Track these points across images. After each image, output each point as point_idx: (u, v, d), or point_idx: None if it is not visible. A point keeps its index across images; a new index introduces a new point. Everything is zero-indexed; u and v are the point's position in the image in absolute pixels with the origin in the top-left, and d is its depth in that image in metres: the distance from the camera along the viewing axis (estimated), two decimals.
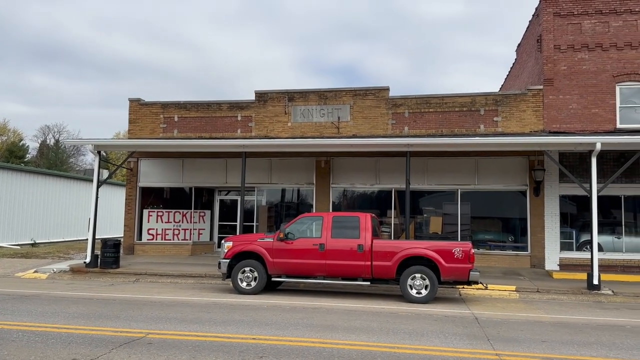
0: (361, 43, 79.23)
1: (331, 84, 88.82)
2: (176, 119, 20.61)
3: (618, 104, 17.47)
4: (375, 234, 12.85)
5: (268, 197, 20.78)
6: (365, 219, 12.31)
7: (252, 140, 17.16)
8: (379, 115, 19.07)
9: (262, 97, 20.08)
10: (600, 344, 7.79)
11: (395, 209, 19.05)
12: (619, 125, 17.31)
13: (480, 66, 69.38)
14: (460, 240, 17.55)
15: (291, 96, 19.80)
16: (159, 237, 20.84)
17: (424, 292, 11.57)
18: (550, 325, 9.35)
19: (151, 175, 21.01)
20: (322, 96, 19.58)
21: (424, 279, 11.59)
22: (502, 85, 26.65)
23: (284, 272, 12.40)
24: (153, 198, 21.29)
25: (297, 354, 6.76)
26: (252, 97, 20.25)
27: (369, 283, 12.16)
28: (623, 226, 17.53)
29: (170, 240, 20.86)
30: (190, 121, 20.50)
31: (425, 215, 19.26)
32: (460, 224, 18.50)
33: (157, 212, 21.00)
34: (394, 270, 11.81)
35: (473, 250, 11.71)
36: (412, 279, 11.67)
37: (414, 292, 11.62)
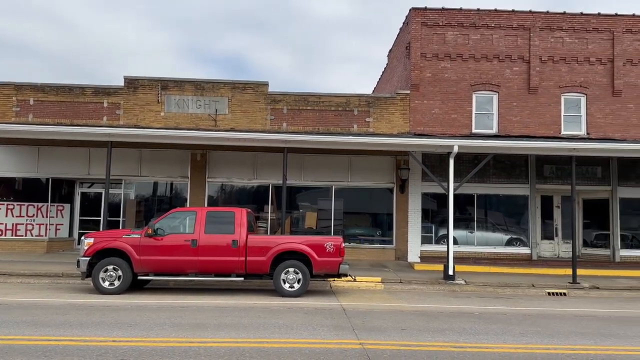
0: (250, 35, 78.25)
1: (216, 75, 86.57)
2: (32, 102, 18.60)
3: (474, 111, 19.28)
4: (251, 230, 12.80)
5: (138, 191, 19.65)
6: (241, 214, 12.17)
7: (120, 129, 16.09)
8: (257, 110, 18.98)
9: (133, 83, 18.91)
10: (452, 330, 8.53)
11: (272, 204, 19.13)
12: (474, 130, 19.12)
13: (362, 67, 72.40)
14: (334, 234, 18.15)
15: (165, 84, 18.90)
16: (9, 232, 18.69)
17: (296, 286, 11.76)
18: (410, 314, 10.04)
19: (0, 164, 18.75)
20: (199, 87, 18.97)
21: (297, 273, 11.78)
22: (375, 88, 28.04)
23: (152, 270, 11.80)
24: (3, 189, 19.02)
25: (161, 355, 6.46)
26: (122, 83, 18.98)
27: (242, 279, 12.05)
28: (475, 221, 19.43)
29: (22, 236, 18.80)
30: (49, 105, 18.63)
31: (301, 210, 19.61)
32: (334, 219, 19.14)
33: (7, 204, 18.82)
34: (268, 265, 11.85)
35: (344, 245, 12.16)
36: (285, 274, 11.79)
37: (286, 286, 11.76)
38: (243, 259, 11.77)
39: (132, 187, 19.50)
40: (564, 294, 13.92)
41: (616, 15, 19.24)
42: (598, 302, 12.69)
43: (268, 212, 19.04)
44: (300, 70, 77.66)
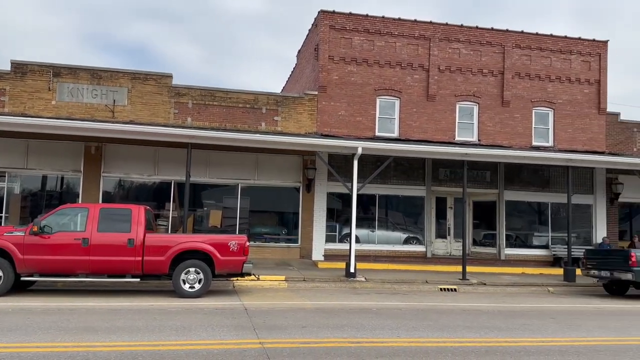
0: (159, 25, 74.60)
1: (120, 65, 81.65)
2: None
3: (377, 115, 19.98)
4: (150, 228, 12.29)
5: (24, 185, 18.04)
6: (139, 212, 11.62)
7: (4, 118, 14.69)
8: (160, 103, 18.23)
9: (21, 68, 17.35)
10: (350, 326, 8.76)
11: (174, 201, 18.47)
12: (377, 133, 19.81)
13: (276, 65, 72.06)
14: (239, 233, 17.91)
15: (57, 71, 17.55)
16: None
17: (197, 286, 11.44)
18: (312, 312, 10.17)
19: None
20: (96, 75, 17.83)
21: (199, 273, 11.47)
22: (284, 87, 28.11)
23: (37, 271, 10.91)
24: None
25: None
26: (8, 67, 17.34)
27: (139, 280, 11.52)
28: (377, 221, 20.15)
29: None
30: None
31: (205, 208, 19.14)
32: (240, 218, 18.89)
33: None
34: (167, 265, 11.42)
35: (248, 243, 12.04)
36: (186, 274, 11.43)
37: (186, 286, 11.40)
38: (140, 258, 11.25)
39: (17, 181, 17.86)
40: (455, 289, 14.87)
41: (507, 31, 20.89)
42: (485, 297, 13.70)
43: (170, 210, 18.35)
44: (211, 65, 75.75)
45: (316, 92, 19.46)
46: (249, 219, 19.17)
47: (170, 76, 18.41)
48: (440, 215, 21.07)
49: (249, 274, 12.25)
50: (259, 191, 19.27)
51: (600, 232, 20.90)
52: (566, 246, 17.91)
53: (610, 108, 21.81)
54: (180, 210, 17.59)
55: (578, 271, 16.43)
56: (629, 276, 13.96)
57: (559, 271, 17.87)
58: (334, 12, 19.55)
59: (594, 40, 21.54)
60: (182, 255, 11.52)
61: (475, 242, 21.49)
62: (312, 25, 21.10)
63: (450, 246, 21.04)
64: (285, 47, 75.57)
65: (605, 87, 21.45)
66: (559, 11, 70.64)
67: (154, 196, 18.73)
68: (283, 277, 14.47)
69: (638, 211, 22.30)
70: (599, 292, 15.55)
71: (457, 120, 20.54)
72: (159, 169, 18.34)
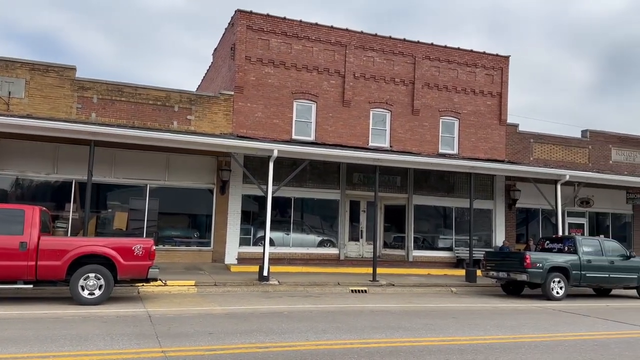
0: (73, 15, 69.56)
1: (24, 54, 75.38)
2: None
3: (294, 118, 20.01)
4: (46, 230, 11.41)
5: None
6: (33, 213, 10.74)
7: None
8: (62, 97, 17.03)
9: None
10: (260, 331, 8.62)
11: (75, 202, 17.29)
12: (294, 136, 19.83)
13: (194, 64, 69.88)
14: (146, 236, 17.11)
15: None
16: None
17: (97, 292, 10.75)
18: (221, 317, 9.91)
19: None
20: None
21: (99, 279, 10.79)
22: (199, 86, 27.37)
23: None
24: None
25: None
26: None
27: (32, 286, 10.63)
28: (292, 224, 20.15)
29: None
30: None
31: (110, 210, 18.12)
32: (148, 220, 18.08)
33: None
34: (64, 271, 10.65)
35: (154, 247, 11.52)
36: (85, 279, 10.71)
37: (85, 293, 10.68)
38: (33, 263, 10.40)
39: None
40: (365, 291, 15.20)
41: (418, 42, 21.79)
42: (393, 298, 14.12)
43: (70, 212, 17.15)
44: (126, 61, 71.99)
45: (232, 93, 19.12)
46: (158, 221, 18.40)
47: (73, 68, 17.25)
48: (354, 218, 21.51)
49: (155, 280, 11.72)
50: (170, 192, 18.56)
51: (499, 235, 22.36)
52: (468, 248, 18.94)
53: (514, 119, 23.51)
54: (82, 211, 16.49)
55: (479, 272, 17.43)
56: (524, 277, 15.01)
57: (462, 272, 18.85)
58: (251, 12, 19.33)
59: (497, 55, 23.05)
60: (82, 260, 10.78)
61: (386, 245, 22.15)
62: (229, 24, 20.73)
63: (362, 248, 21.52)
64: (205, 45, 73.88)
65: (506, 99, 23.03)
66: (472, 26, 75.09)
67: (53, 196, 17.44)
68: (193, 282, 14.00)
69: (534, 216, 24.11)
70: (498, 292, 16.59)
71: (370, 126, 21.07)
72: (59, 167, 17.11)
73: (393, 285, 16.12)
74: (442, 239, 22.47)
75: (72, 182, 17.19)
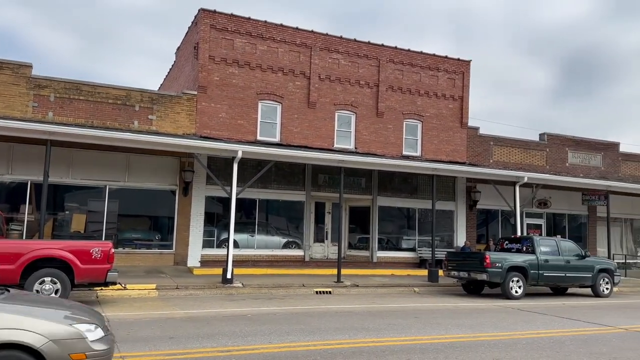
0: (32, 10, 66.83)
1: None
2: None
3: (259, 119, 19.87)
4: (0, 233, 10.94)
5: None
6: None
7: None
8: (17, 95, 16.40)
9: None
10: (222, 335, 8.51)
11: (31, 204, 16.67)
12: (259, 137, 19.69)
13: (159, 63, 68.44)
14: (105, 239, 16.66)
15: None
16: None
17: (53, 297, 10.38)
18: (182, 321, 9.73)
19: None
20: None
21: (55, 283, 10.45)
22: (161, 85, 26.88)
23: None
24: None
25: None
26: None
27: None
28: (256, 225, 20.00)
29: None
30: None
31: (67, 212, 17.55)
32: (107, 222, 17.60)
33: None
34: (19, 275, 10.27)
35: (113, 250, 11.24)
36: (40, 284, 10.36)
37: None
38: None
39: None
40: (330, 292, 15.23)
41: (382, 45, 22.01)
42: (357, 299, 14.18)
43: (25, 214, 16.52)
44: (88, 60, 69.95)
45: (196, 92, 18.84)
46: (118, 223, 17.95)
47: (29, 66, 16.64)
48: (320, 219, 21.54)
49: (115, 283, 11.43)
50: (130, 194, 18.12)
51: (461, 236, 22.81)
52: (431, 249, 19.23)
53: (476, 122, 24.00)
54: (38, 213, 15.93)
55: (441, 272, 17.72)
56: (484, 276, 15.35)
57: (425, 272, 19.14)
58: (215, 11, 19.10)
59: (458, 59, 23.51)
60: (37, 264, 10.41)
61: (350, 246, 22.26)
62: (192, 23, 20.43)
63: (327, 250, 21.57)
64: (170, 44, 72.62)
65: (468, 103, 23.52)
66: (438, 30, 76.44)
67: (8, 198, 16.77)
68: (154, 286, 13.70)
69: (494, 217, 24.70)
70: (459, 291, 16.91)
71: (336, 128, 21.15)
72: (14, 167, 16.47)
73: (357, 286, 16.21)
74: (405, 239, 22.75)
75: (27, 183, 16.56)
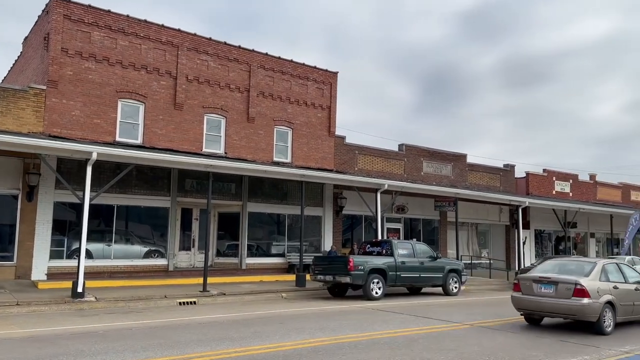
0: None
1: None
2: None
3: (119, 118, 18.51)
4: None
5: None
6: None
7: None
8: None
9: None
10: (67, 354, 7.66)
11: None
12: (118, 139, 18.34)
13: (4, 52, 60.39)
14: None
15: None
16: None
17: None
18: (22, 341, 8.60)
19: None
20: None
21: None
22: (5, 78, 23.92)
23: None
24: None
25: None
26: None
27: None
28: (114, 234, 18.56)
29: None
30: None
31: None
32: None
33: None
34: None
35: None
36: None
37: None
38: None
39: None
40: (194, 302, 14.62)
41: (253, 50, 21.88)
42: (223, 308, 13.79)
43: None
44: None
45: (45, 87, 16.99)
46: None
47: None
48: (186, 226, 20.68)
49: None
50: None
51: (328, 241, 23.45)
52: (299, 254, 19.47)
53: (346, 132, 24.88)
54: None
55: (308, 276, 17.99)
56: (347, 279, 15.88)
57: (293, 277, 19.29)
58: (69, 1, 17.43)
59: (326, 70, 24.25)
60: None
61: (219, 253, 21.70)
62: (43, 11, 18.44)
63: (194, 258, 20.78)
64: (17, 32, 65.05)
65: (335, 113, 24.34)
66: (316, 42, 78.31)
67: None
68: None
69: (358, 222, 25.80)
70: (325, 295, 17.30)
71: (205, 132, 20.51)
72: None
73: (224, 294, 15.78)
74: (275, 245, 22.79)
75: None
